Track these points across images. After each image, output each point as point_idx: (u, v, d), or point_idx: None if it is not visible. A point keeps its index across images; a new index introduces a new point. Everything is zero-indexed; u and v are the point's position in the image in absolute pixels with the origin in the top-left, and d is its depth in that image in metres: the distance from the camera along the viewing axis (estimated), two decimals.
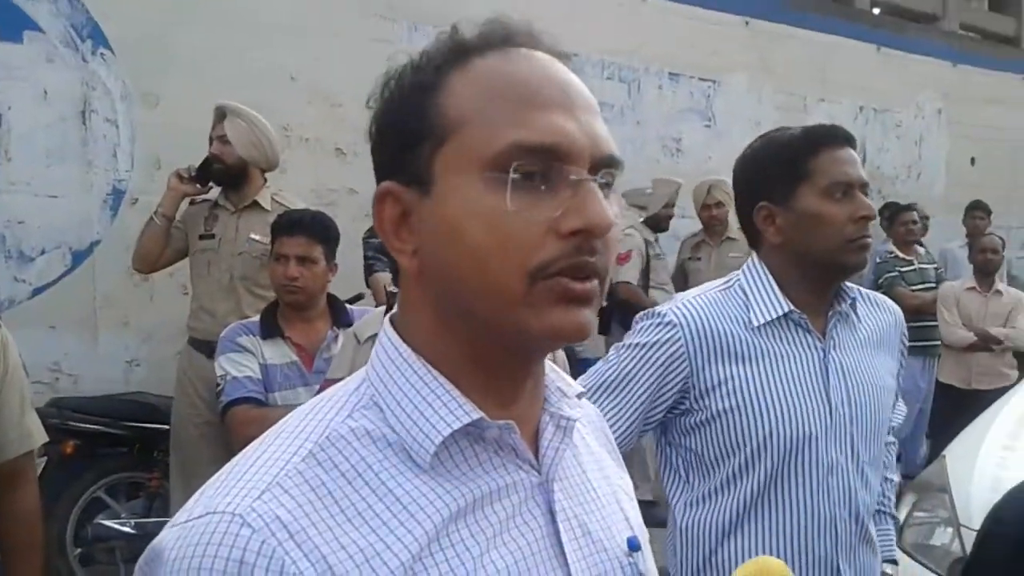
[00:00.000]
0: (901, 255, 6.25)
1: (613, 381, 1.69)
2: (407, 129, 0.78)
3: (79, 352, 4.26)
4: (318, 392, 1.11)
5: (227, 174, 3.80)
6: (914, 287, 6.12)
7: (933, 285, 6.12)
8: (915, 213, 6.36)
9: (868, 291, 1.83)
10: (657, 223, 5.63)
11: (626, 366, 1.68)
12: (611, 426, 1.66)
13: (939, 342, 5.94)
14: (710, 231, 5.83)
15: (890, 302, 1.90)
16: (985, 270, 5.78)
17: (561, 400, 0.86)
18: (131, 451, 4.09)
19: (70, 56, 4.24)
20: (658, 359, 1.65)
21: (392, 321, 0.84)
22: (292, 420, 0.80)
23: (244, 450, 0.79)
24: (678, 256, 6.02)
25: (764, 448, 1.63)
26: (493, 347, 0.78)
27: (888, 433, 1.92)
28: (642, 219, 5.54)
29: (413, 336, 0.81)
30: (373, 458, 0.76)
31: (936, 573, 2.77)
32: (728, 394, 1.64)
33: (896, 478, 1.98)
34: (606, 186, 0.77)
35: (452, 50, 0.79)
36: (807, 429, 1.64)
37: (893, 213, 6.52)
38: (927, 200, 8.04)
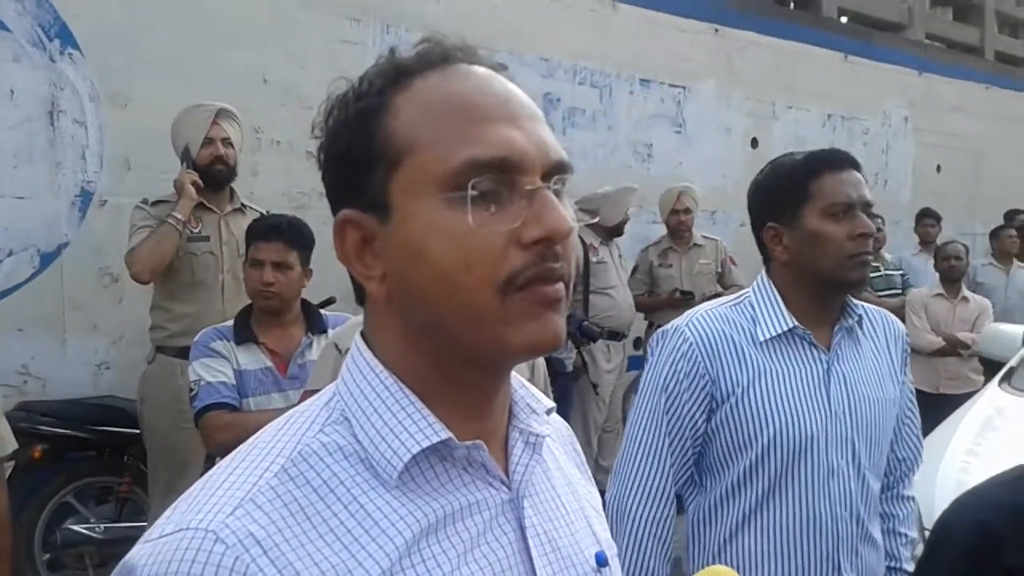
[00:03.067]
0: None
1: (663, 426, 1.79)
2: (358, 155, 0.78)
3: (47, 355, 4.20)
4: (300, 402, 1.11)
5: (227, 177, 3.84)
6: (880, 293, 6.20)
7: (900, 291, 6.21)
8: (880, 220, 6.45)
9: (872, 306, 1.93)
10: (617, 229, 5.58)
11: (663, 403, 1.79)
12: (674, 465, 1.79)
13: None
14: (677, 237, 5.85)
15: (892, 316, 2.00)
16: (950, 276, 5.88)
17: (530, 416, 0.87)
18: (100, 455, 4.06)
19: (37, 56, 4.18)
20: (682, 379, 1.77)
21: (363, 335, 0.84)
22: (264, 435, 0.79)
23: (216, 466, 0.79)
24: (641, 261, 6.00)
25: (769, 451, 1.74)
26: (464, 364, 0.79)
27: (907, 486, 2.02)
28: (589, 223, 5.38)
29: (383, 352, 0.81)
30: (345, 473, 0.76)
31: None
32: (738, 401, 1.75)
33: (912, 533, 2.01)
34: (558, 191, 0.78)
35: (393, 73, 0.79)
36: (809, 433, 1.75)
37: None
38: (894, 207, 8.13)
